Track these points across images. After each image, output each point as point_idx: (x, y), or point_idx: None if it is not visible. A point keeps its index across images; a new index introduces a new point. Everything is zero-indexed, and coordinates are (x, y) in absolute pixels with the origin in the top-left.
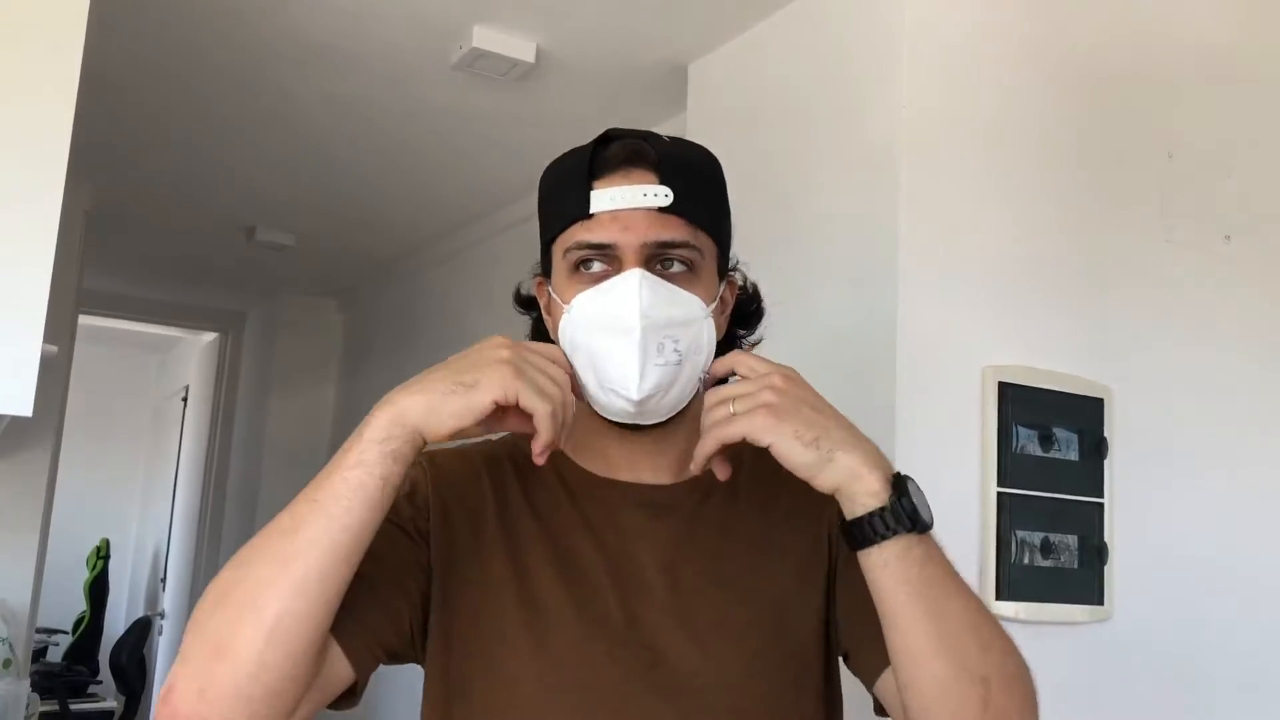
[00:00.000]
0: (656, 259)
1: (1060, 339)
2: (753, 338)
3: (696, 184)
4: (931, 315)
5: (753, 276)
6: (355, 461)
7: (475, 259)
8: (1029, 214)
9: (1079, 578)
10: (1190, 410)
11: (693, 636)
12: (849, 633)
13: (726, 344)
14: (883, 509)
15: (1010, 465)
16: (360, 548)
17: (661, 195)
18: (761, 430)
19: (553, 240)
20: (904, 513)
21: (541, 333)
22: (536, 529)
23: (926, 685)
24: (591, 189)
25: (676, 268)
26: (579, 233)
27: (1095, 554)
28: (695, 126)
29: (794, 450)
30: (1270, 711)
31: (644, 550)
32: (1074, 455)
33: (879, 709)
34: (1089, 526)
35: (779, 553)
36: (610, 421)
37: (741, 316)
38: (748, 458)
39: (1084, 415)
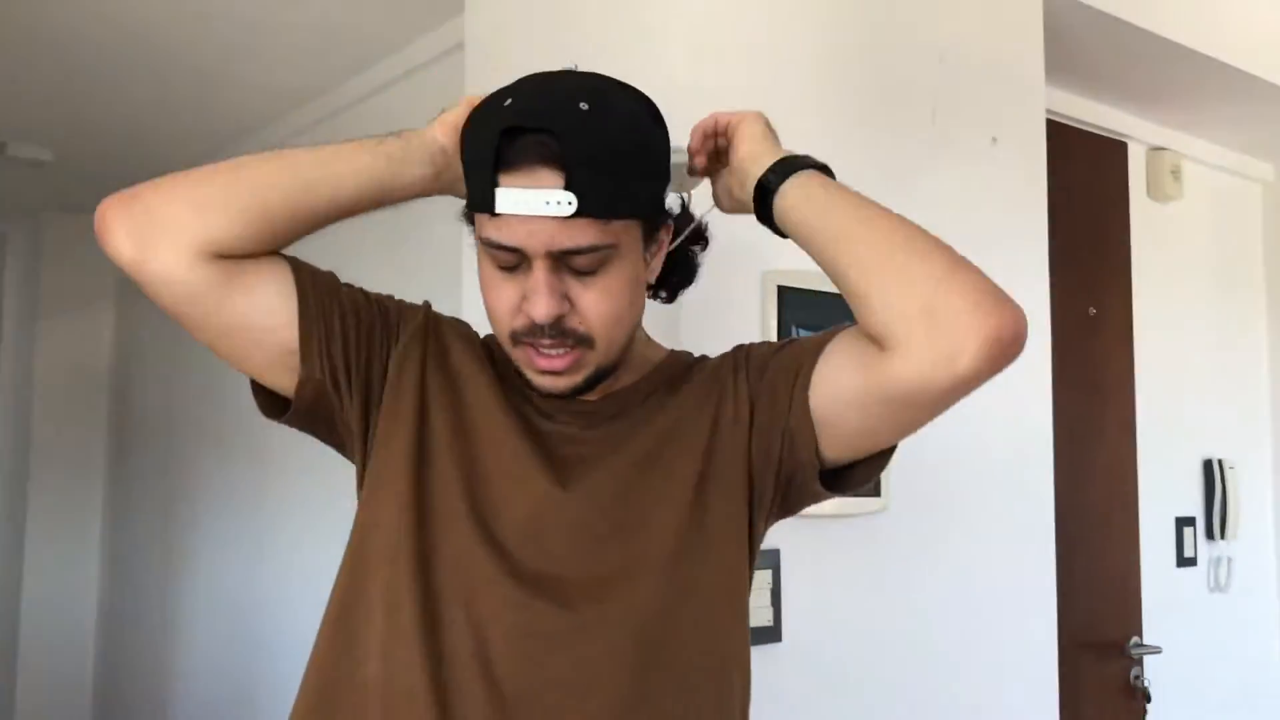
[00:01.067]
0: (565, 259)
1: None
2: (702, 251)
3: (609, 168)
4: (718, 225)
5: None
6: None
7: None
8: (804, 122)
9: None
10: None
11: (596, 545)
12: (779, 413)
13: (679, 261)
14: (772, 165)
15: None
16: (376, 196)
17: (565, 204)
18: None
19: (471, 197)
20: (793, 160)
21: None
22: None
23: (884, 285)
24: (497, 185)
25: (587, 267)
26: (488, 227)
27: None
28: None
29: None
30: (1019, 591)
31: (562, 453)
32: None
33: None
34: None
35: (688, 451)
36: None
37: (687, 237)
38: (658, 367)
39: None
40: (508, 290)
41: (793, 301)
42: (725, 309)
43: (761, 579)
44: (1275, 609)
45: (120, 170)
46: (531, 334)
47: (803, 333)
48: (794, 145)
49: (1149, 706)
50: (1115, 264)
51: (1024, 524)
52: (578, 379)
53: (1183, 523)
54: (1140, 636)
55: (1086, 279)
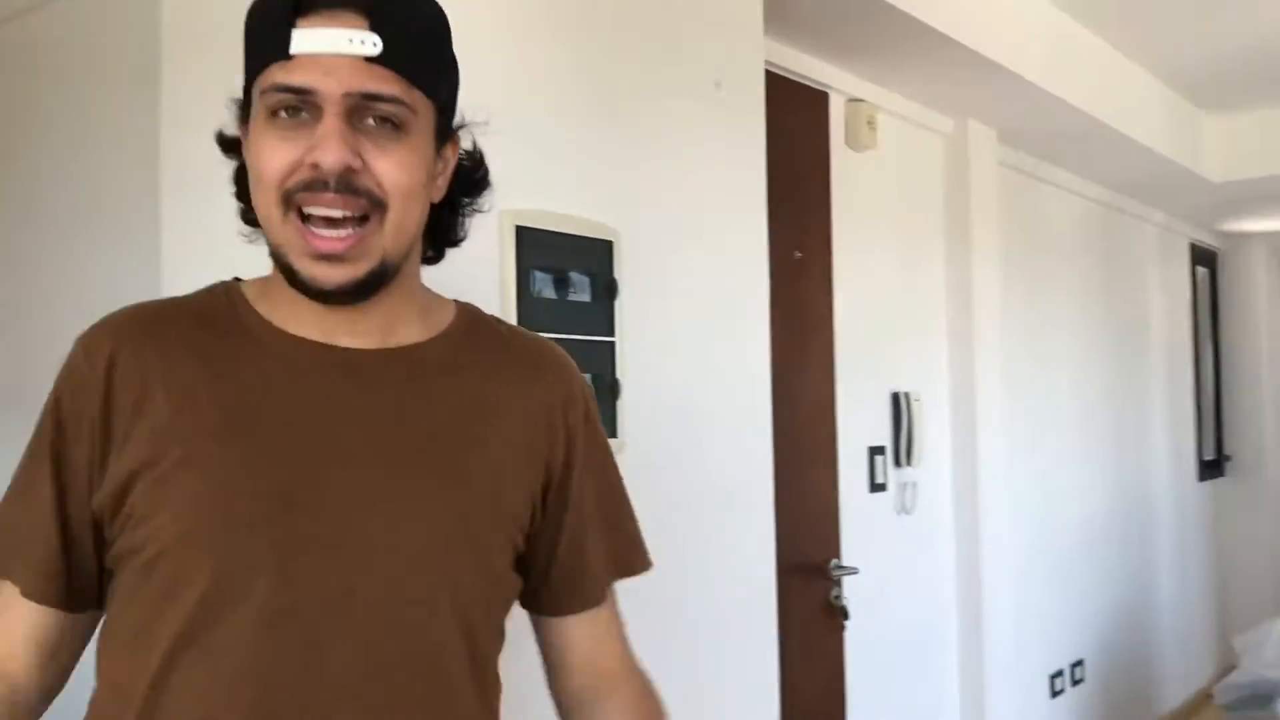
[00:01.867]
0: (360, 113)
1: (572, 185)
2: (478, 205)
3: (414, 35)
4: None
5: None
6: None
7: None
8: (540, 59)
9: None
10: (697, 251)
11: (371, 511)
12: (539, 570)
13: (449, 209)
14: None
15: (529, 309)
16: None
17: (370, 43)
18: None
19: (252, 81)
20: None
21: (243, 179)
22: (207, 386)
23: None
24: (294, 27)
25: (382, 126)
26: (276, 74)
27: (609, 391)
28: None
29: None
30: (743, 518)
31: (332, 402)
32: (587, 297)
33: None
34: (603, 365)
35: (486, 435)
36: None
37: (464, 183)
38: (464, 331)
39: (595, 258)
40: (286, 149)
41: (530, 241)
42: (461, 250)
43: None
44: (950, 525)
45: None
46: (311, 188)
47: (541, 276)
48: (534, 84)
49: (846, 624)
50: (818, 210)
51: (748, 452)
52: (359, 270)
53: (874, 451)
54: (839, 558)
55: (793, 224)
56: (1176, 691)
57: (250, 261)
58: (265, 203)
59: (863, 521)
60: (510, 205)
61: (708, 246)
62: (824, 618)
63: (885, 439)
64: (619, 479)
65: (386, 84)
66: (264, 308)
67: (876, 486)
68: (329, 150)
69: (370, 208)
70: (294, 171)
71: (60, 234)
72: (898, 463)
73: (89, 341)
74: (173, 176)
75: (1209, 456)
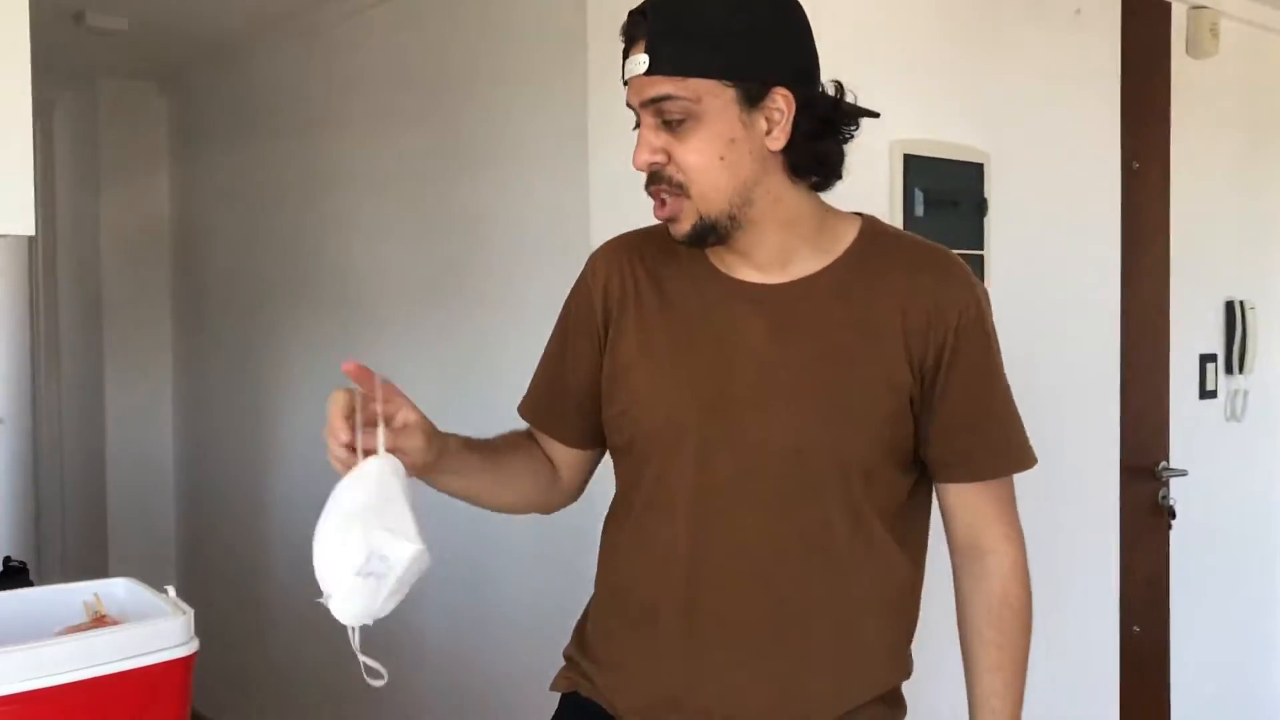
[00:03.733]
0: (657, 113)
1: (949, 112)
2: (844, 134)
3: (683, 37)
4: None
5: None
6: None
7: (340, 37)
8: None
9: None
10: (1055, 169)
11: (764, 405)
12: (921, 445)
13: (808, 145)
14: None
15: (911, 227)
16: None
17: (642, 64)
18: None
19: None
20: None
21: None
22: (659, 308)
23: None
24: (625, 60)
25: (675, 118)
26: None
27: None
28: None
29: None
30: (1093, 418)
31: (739, 334)
32: (961, 214)
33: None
34: None
35: (863, 346)
36: None
37: (817, 120)
38: (859, 252)
39: (968, 179)
40: (638, 150)
41: (915, 166)
42: (859, 175)
43: None
44: None
45: (185, 38)
46: (650, 182)
47: (921, 198)
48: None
49: (1173, 523)
50: (1157, 120)
51: (1097, 356)
52: (685, 226)
53: (1206, 358)
54: (1168, 461)
55: (1131, 135)
56: None
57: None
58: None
59: (1191, 427)
60: (899, 135)
61: (1064, 165)
62: (1151, 517)
63: (1217, 346)
64: (993, 388)
65: (659, 87)
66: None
67: (1207, 393)
68: (636, 154)
69: (676, 189)
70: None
71: (494, 166)
72: (1229, 370)
73: (593, 263)
74: (597, 123)
75: None
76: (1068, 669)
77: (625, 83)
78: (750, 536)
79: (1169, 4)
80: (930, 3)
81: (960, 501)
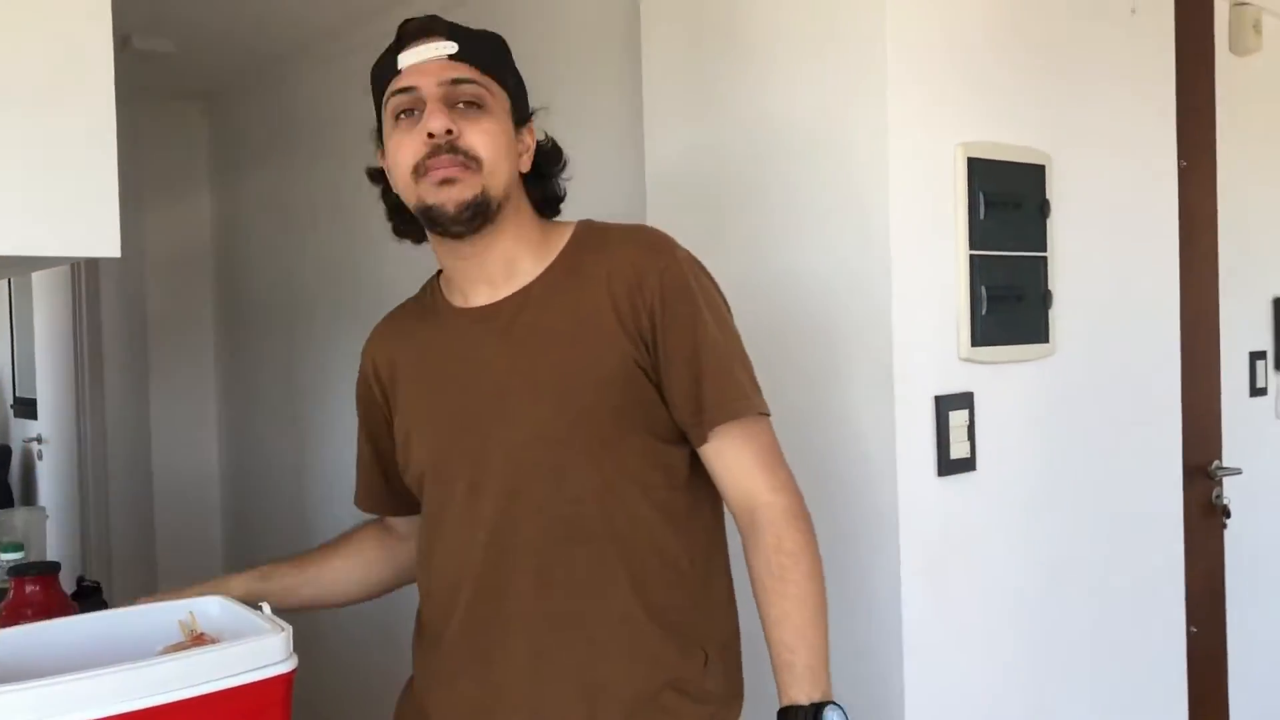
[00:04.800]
0: (451, 98)
1: (1010, 115)
2: (562, 175)
3: (482, 44)
4: (913, 99)
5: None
6: None
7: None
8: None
9: (1030, 322)
10: (1113, 170)
11: (505, 410)
12: (672, 405)
13: (539, 178)
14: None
15: (976, 230)
16: None
17: (449, 47)
18: None
19: (381, 108)
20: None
21: (391, 201)
22: (419, 367)
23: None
24: (399, 55)
25: (469, 107)
26: (392, 88)
27: (1041, 301)
28: None
29: None
30: (1154, 417)
31: (479, 357)
32: (1024, 217)
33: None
34: (1036, 278)
35: (581, 331)
36: (447, 241)
37: (546, 158)
38: (568, 254)
39: (1030, 181)
40: (409, 138)
41: (978, 169)
42: (923, 180)
43: (959, 418)
44: None
45: (228, 59)
46: (432, 154)
47: (985, 201)
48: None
49: (1227, 522)
50: (1203, 117)
51: (1158, 356)
52: (467, 194)
53: (1255, 356)
54: (1220, 460)
55: (1178, 132)
56: None
57: None
58: (404, 180)
59: (1242, 425)
60: (963, 138)
61: (1123, 165)
62: (1204, 516)
63: (1267, 344)
64: (709, 340)
65: (465, 71)
66: (444, 287)
67: (1257, 391)
68: (434, 120)
69: (470, 160)
70: (416, 151)
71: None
72: (1279, 367)
73: (364, 356)
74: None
75: None
76: (1133, 673)
77: (399, 70)
78: (528, 557)
79: (1212, 1)
80: (989, 7)
81: (721, 464)
